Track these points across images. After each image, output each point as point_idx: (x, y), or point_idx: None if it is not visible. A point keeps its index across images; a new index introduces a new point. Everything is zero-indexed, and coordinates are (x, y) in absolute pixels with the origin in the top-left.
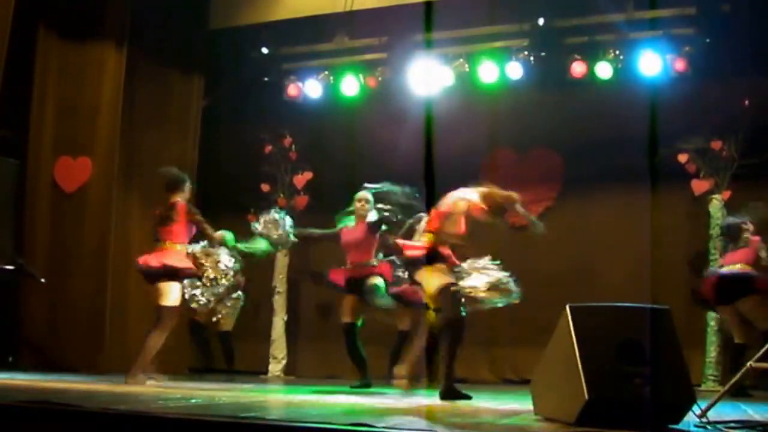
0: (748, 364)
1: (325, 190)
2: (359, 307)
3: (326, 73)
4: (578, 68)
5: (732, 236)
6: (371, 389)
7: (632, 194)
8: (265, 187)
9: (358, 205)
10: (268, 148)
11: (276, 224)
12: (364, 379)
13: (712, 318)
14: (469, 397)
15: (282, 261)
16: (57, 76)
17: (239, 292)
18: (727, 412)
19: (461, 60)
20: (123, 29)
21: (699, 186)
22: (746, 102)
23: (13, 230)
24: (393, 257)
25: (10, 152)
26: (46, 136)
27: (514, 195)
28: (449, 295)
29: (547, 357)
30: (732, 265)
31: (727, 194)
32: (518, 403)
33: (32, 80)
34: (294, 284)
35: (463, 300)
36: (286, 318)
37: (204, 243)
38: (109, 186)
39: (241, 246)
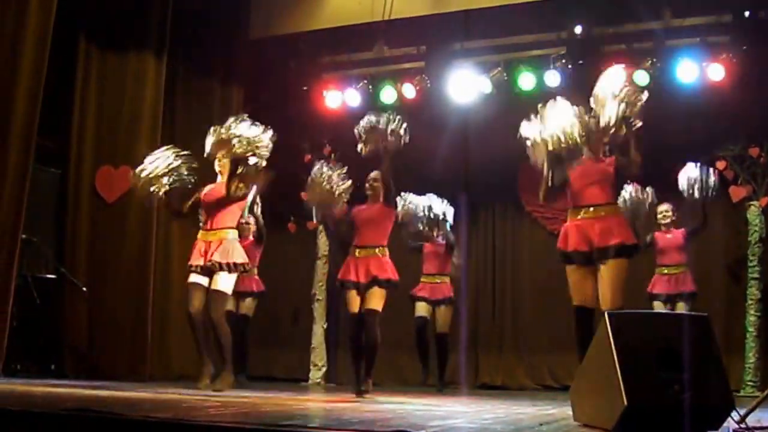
0: None
1: (364, 199)
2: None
3: (365, 81)
4: None
5: None
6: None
7: (670, 201)
8: (305, 196)
9: (375, 184)
10: (308, 158)
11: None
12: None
13: (751, 324)
14: None
15: (321, 268)
16: (98, 86)
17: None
18: (766, 417)
19: (499, 68)
20: (163, 40)
21: (737, 193)
22: None
23: (54, 239)
24: None
25: (51, 162)
26: (87, 145)
27: None
28: None
29: (587, 364)
30: None
31: (765, 201)
32: (557, 410)
33: (73, 90)
34: (333, 292)
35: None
36: (326, 326)
37: None
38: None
39: None
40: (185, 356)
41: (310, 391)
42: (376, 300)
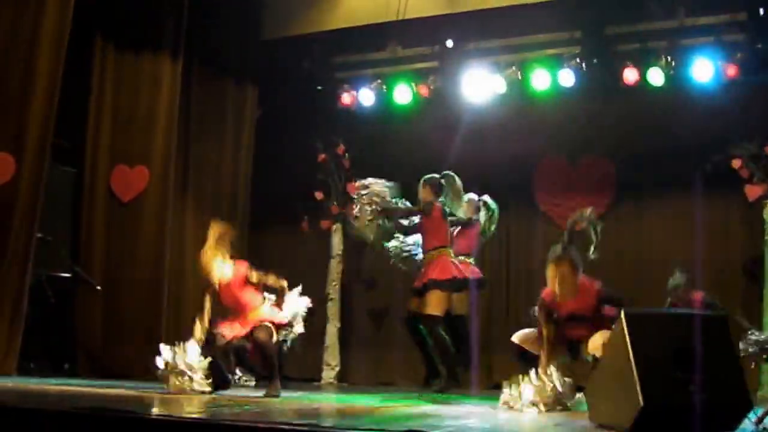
0: None
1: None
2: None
3: (379, 81)
4: (630, 75)
5: None
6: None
7: (685, 200)
8: (318, 195)
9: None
10: (322, 157)
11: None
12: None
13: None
14: None
15: (335, 268)
16: (114, 86)
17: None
18: None
19: (513, 68)
20: (178, 40)
21: (752, 191)
22: None
23: (69, 238)
24: None
25: (66, 161)
26: (103, 145)
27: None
28: None
29: (603, 363)
30: None
31: None
32: (573, 410)
33: (89, 90)
34: (347, 291)
35: None
36: (339, 325)
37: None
38: (165, 195)
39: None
40: None
41: (323, 391)
42: (431, 304)
